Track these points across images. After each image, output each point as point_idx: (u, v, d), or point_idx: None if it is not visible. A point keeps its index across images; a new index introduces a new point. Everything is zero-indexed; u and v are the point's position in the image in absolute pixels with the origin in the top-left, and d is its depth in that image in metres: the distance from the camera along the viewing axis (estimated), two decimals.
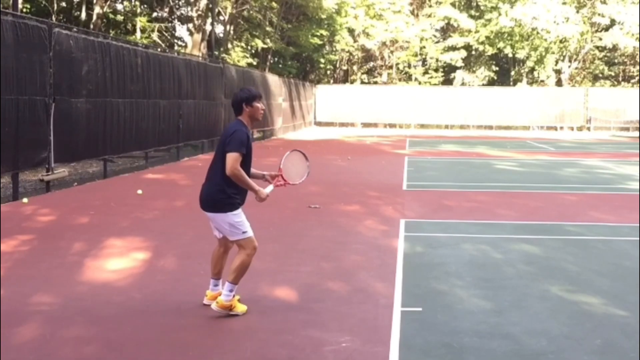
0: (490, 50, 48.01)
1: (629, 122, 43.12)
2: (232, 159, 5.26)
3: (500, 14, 45.63)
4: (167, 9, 38.49)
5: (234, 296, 5.41)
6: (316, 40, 41.03)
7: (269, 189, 5.56)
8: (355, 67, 51.63)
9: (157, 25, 36.75)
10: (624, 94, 44.81)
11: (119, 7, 37.15)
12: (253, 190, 5.37)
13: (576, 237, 8.91)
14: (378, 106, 44.25)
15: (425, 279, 6.65)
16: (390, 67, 50.83)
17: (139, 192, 12.51)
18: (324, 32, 41.63)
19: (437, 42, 50.05)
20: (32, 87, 11.96)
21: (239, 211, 5.41)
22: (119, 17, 36.95)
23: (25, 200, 11.40)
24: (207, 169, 5.52)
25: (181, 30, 42.96)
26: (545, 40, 45.12)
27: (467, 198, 12.46)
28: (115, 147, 15.46)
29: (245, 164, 5.38)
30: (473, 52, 49.39)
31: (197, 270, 6.75)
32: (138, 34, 35.65)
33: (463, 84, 49.24)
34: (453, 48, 48.60)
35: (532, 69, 49.41)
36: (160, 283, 6.45)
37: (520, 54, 47.68)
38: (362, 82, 50.76)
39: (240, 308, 5.49)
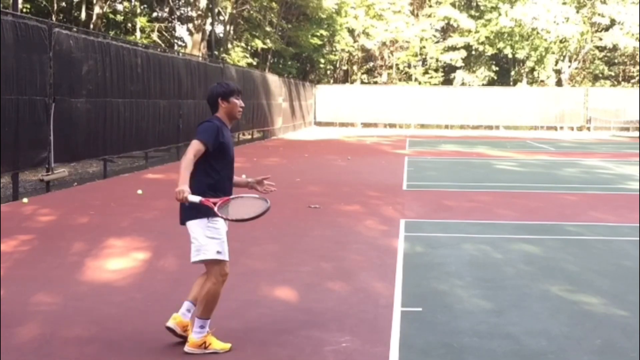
0: (490, 51, 48.02)
1: (629, 122, 43.11)
2: (191, 145, 4.54)
3: (500, 14, 45.64)
4: (167, 9, 38.50)
5: (208, 332, 4.58)
6: (316, 40, 41.03)
7: (195, 199, 4.51)
8: (355, 67, 51.61)
9: (157, 25, 36.77)
10: (624, 94, 44.80)
11: (119, 7, 37.15)
12: (179, 182, 4.49)
13: (576, 237, 8.90)
14: (378, 106, 44.22)
15: (425, 279, 6.64)
16: (390, 67, 50.82)
17: (139, 192, 12.51)
18: (324, 32, 41.63)
19: (437, 42, 50.05)
20: (32, 87, 11.96)
21: (219, 222, 4.55)
22: (119, 17, 36.94)
23: (25, 200, 11.40)
24: None
25: (181, 30, 43.03)
26: (545, 40, 45.13)
27: (467, 198, 12.45)
28: (115, 147, 15.46)
29: (224, 166, 4.68)
30: (473, 52, 49.37)
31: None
32: (138, 34, 35.66)
33: (463, 84, 49.22)
34: (453, 48, 48.60)
35: (532, 69, 49.42)
36: (160, 283, 6.45)
37: (520, 54, 47.68)
38: (362, 82, 50.74)
39: (218, 345, 4.59)
